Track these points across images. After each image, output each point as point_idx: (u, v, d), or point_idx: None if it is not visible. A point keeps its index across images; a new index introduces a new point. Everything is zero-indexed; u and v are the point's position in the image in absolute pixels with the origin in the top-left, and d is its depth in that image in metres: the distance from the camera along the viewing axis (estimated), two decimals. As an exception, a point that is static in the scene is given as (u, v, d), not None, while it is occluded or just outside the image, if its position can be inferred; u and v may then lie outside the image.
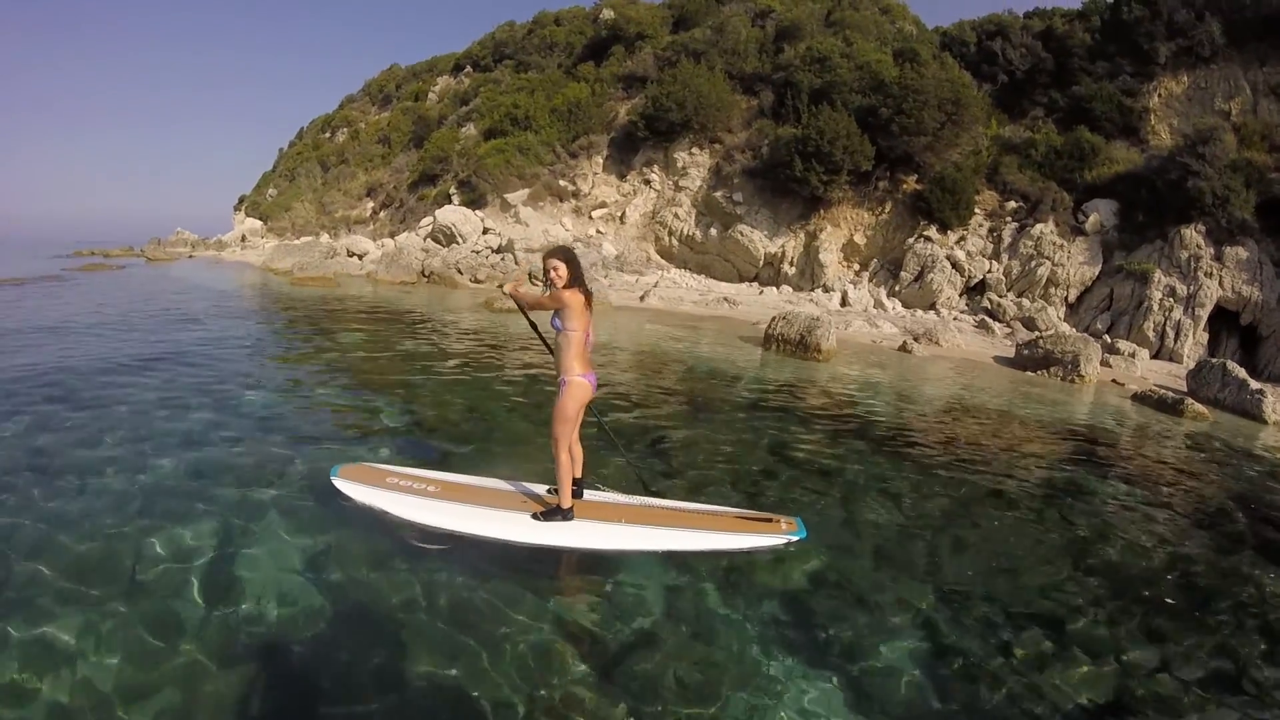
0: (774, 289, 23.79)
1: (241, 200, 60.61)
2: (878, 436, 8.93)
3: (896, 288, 22.37)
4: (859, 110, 24.99)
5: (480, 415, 8.48)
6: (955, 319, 20.24)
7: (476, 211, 29.90)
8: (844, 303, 21.79)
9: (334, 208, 45.01)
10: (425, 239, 29.97)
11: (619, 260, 26.31)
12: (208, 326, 14.55)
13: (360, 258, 31.29)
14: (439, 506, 5.76)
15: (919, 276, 22.11)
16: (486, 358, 12.23)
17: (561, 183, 30.27)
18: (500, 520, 5.61)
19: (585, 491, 6.03)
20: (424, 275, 26.25)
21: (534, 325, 6.18)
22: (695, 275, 26.20)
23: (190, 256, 48.35)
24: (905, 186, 24.37)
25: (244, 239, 49.46)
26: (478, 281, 25.07)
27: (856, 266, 24.30)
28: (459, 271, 25.80)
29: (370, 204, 43.23)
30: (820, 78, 27.44)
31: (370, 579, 4.77)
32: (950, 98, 24.13)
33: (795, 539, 5.56)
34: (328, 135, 56.06)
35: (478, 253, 27.60)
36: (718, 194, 26.70)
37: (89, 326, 13.97)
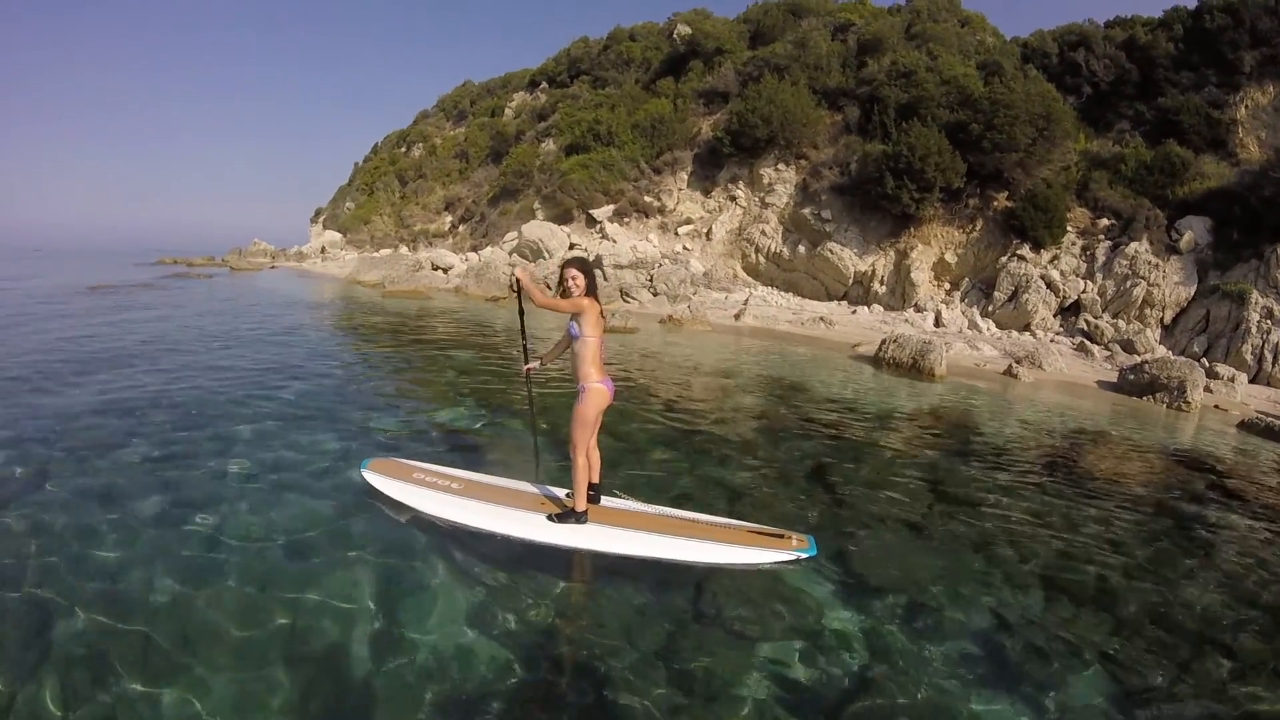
0: (865, 308, 23.69)
1: (318, 213, 61.83)
2: (1025, 466, 8.99)
3: (990, 308, 22.17)
4: (947, 126, 24.82)
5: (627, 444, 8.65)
6: (1053, 341, 20.04)
7: (562, 227, 30.25)
8: (938, 323, 21.66)
9: (412, 221, 45.79)
10: (511, 253, 30.42)
11: (707, 277, 26.44)
12: (326, 342, 15.05)
13: (445, 271, 31.79)
14: (460, 503, 6.08)
15: (1013, 296, 21.90)
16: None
17: (646, 198, 30.48)
18: (517, 519, 5.88)
19: (603, 498, 6.24)
20: (512, 290, 26.66)
21: (522, 317, 6.32)
22: (783, 293, 26.20)
23: (273, 267, 49.43)
24: (996, 204, 24.12)
25: (323, 250, 50.45)
26: (567, 297, 25.41)
27: (947, 285, 24.08)
28: (547, 285, 26.18)
29: (449, 218, 43.93)
30: (907, 92, 27.28)
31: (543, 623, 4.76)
32: (1041, 112, 23.87)
33: (805, 556, 5.70)
34: (404, 150, 57.01)
35: (565, 268, 27.97)
36: (805, 211, 26.66)
37: (202, 339, 14.55)
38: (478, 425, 8.85)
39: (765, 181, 28.71)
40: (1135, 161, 23.75)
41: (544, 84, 49.07)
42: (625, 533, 5.77)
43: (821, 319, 20.98)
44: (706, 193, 30.49)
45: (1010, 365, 16.15)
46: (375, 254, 42.96)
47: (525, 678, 4.12)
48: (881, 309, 23.74)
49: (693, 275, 26.17)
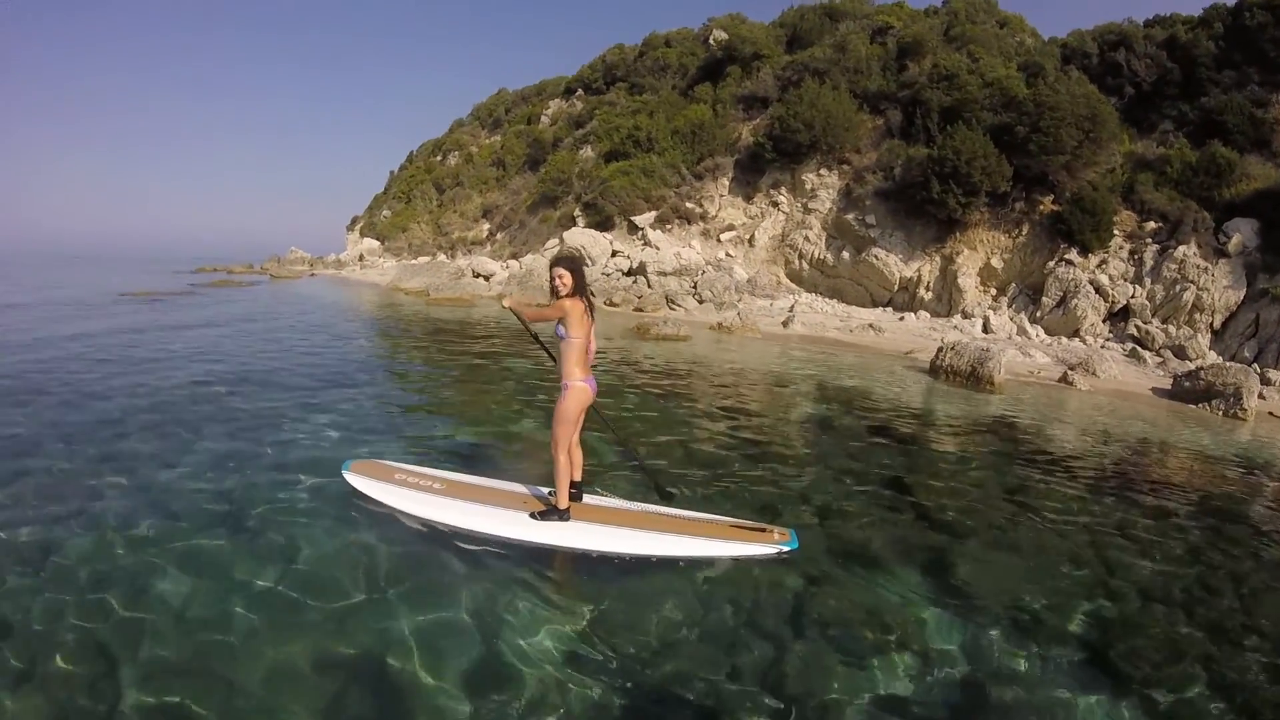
0: (912, 315, 23.62)
1: (354, 221, 62.44)
2: (1097, 476, 9.01)
3: (1038, 314, 22.02)
4: (992, 128, 24.65)
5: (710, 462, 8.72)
6: (1104, 347, 19.89)
7: (604, 234, 30.39)
8: (986, 329, 21.56)
9: (450, 229, 46.15)
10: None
11: (751, 284, 26.49)
12: (386, 351, 15.27)
13: (487, 279, 32.01)
14: (442, 503, 6.13)
15: (1061, 302, 21.75)
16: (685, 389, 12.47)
17: (688, 205, 30.55)
18: (499, 518, 5.94)
19: (585, 495, 6.32)
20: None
21: (535, 336, 6.35)
22: (827, 300, 26.16)
23: (312, 274, 50.03)
24: (1042, 207, 23.95)
25: (361, 258, 50.99)
26: (613, 305, 25.54)
27: (994, 291, 23.91)
28: (592, 294, 26.24)
29: (486, 225, 44.21)
30: (949, 95, 27.17)
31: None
32: (1087, 114, 23.66)
33: (786, 549, 5.77)
34: (439, 158, 57.45)
35: (608, 275, 28.09)
36: (849, 216, 26.59)
37: (247, 345, 14.86)
38: (540, 437, 8.93)
39: (808, 187, 28.69)
40: (1180, 163, 23.45)
41: (580, 91, 49.23)
42: (608, 529, 5.83)
43: (870, 326, 20.96)
44: (748, 199, 30.50)
45: (1065, 372, 16.07)
46: (414, 261, 43.35)
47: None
48: (928, 315, 23.63)
49: (737, 282, 26.24)
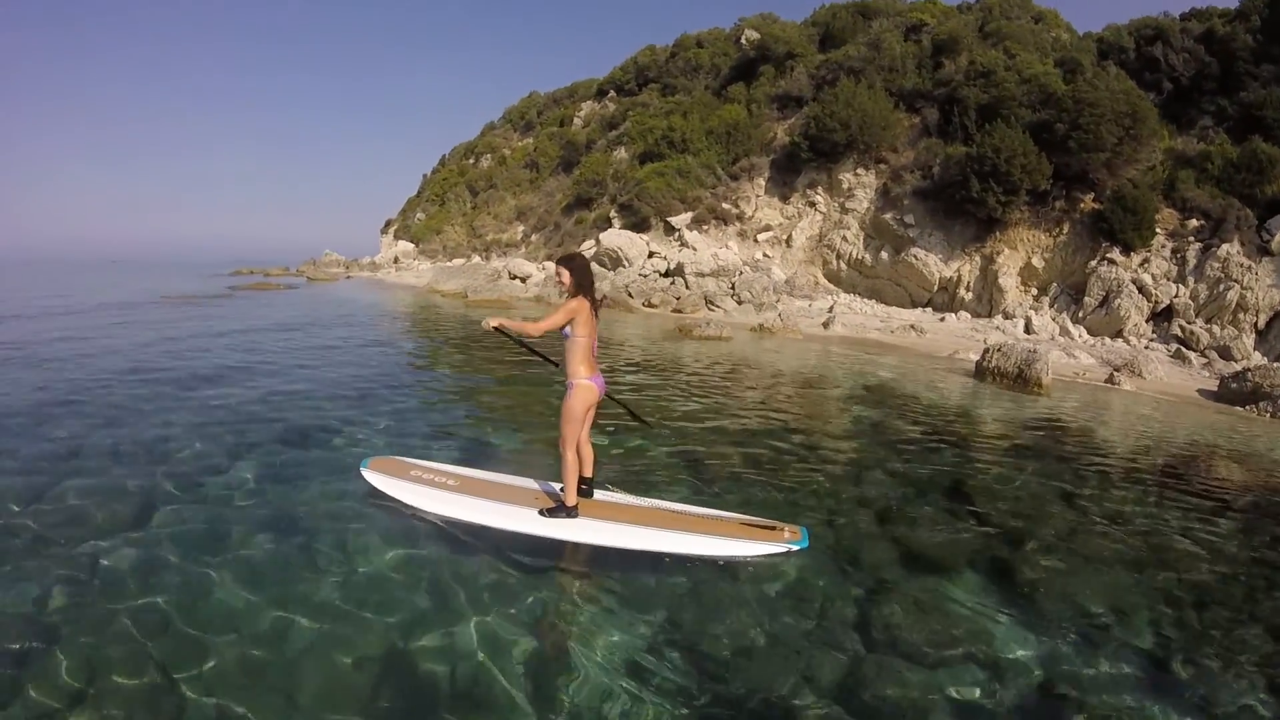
0: (952, 315, 23.49)
1: (388, 224, 62.95)
2: (1154, 480, 8.97)
3: (1080, 314, 21.79)
4: (1030, 126, 24.47)
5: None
6: (1147, 348, 19.69)
7: (640, 235, 30.49)
8: (1028, 330, 21.38)
9: (484, 231, 46.46)
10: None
11: (788, 285, 26.47)
12: (434, 355, 15.39)
13: (523, 280, 32.24)
14: (454, 499, 6.23)
15: (1104, 302, 21.49)
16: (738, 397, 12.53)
17: (724, 205, 30.57)
18: (509, 514, 6.02)
19: (595, 491, 6.34)
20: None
21: (530, 348, 6.39)
22: (866, 300, 26.10)
23: (348, 277, 50.56)
24: (1083, 206, 23.72)
25: (396, 260, 51.44)
26: (651, 306, 25.67)
27: (1035, 291, 23.69)
28: (629, 295, 26.43)
29: (521, 227, 44.46)
30: (986, 93, 26.95)
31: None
32: (1127, 110, 23.41)
33: (796, 548, 5.76)
34: (472, 161, 57.81)
35: (645, 276, 28.22)
36: (887, 216, 26.48)
37: (293, 350, 15.13)
38: (605, 443, 8.99)
39: (844, 186, 28.62)
40: (1221, 160, 23.09)
41: (612, 92, 49.39)
42: (616, 526, 5.88)
43: (911, 327, 20.88)
44: (785, 199, 30.48)
45: (1111, 374, 15.93)
46: (449, 263, 43.70)
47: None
48: (969, 316, 23.48)
49: (775, 283, 26.24)
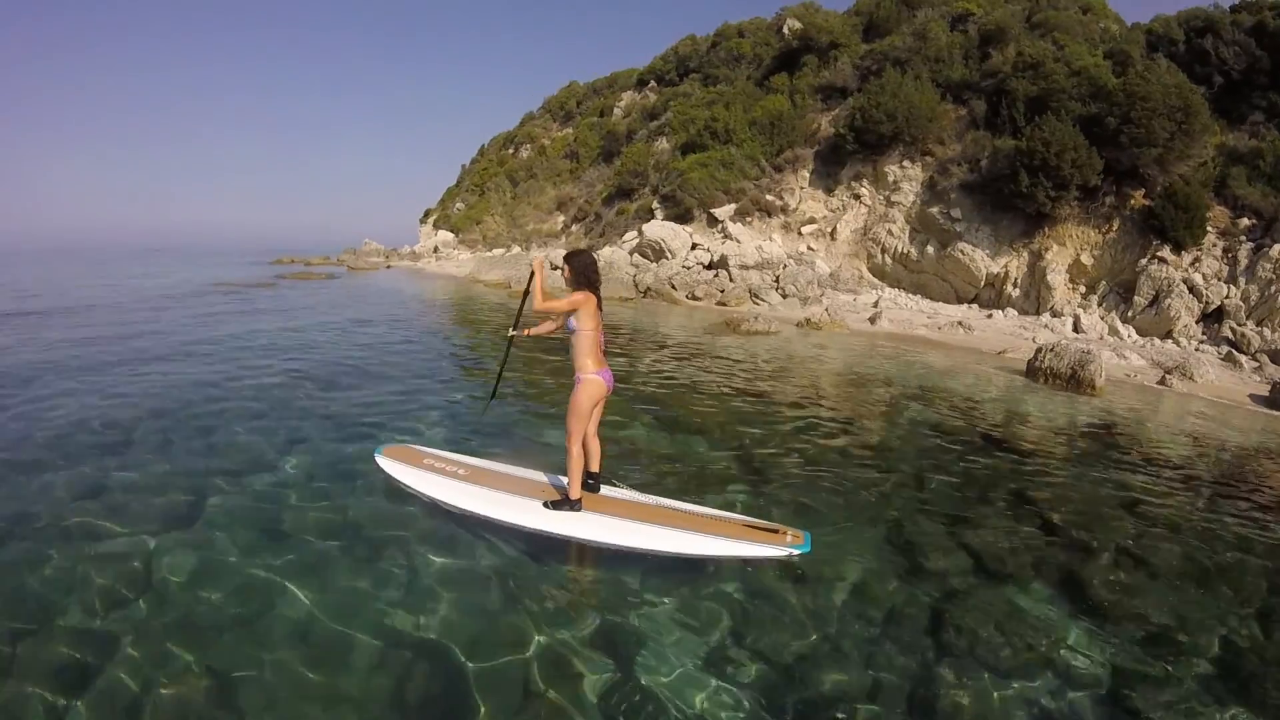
0: (999, 312, 23.12)
1: (427, 214, 63.25)
2: (1215, 488, 8.86)
3: (1129, 313, 21.33)
4: (1080, 119, 23.97)
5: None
6: (1198, 349, 19.28)
7: (683, 227, 30.41)
8: (1076, 328, 20.98)
9: (524, 221, 46.57)
10: (632, 254, 30.69)
11: (833, 278, 26.27)
12: (477, 351, 15.47)
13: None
14: (462, 489, 6.38)
15: (1154, 301, 21.02)
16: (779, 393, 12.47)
17: (768, 197, 30.36)
18: (514, 506, 6.13)
19: (602, 487, 6.42)
20: (639, 290, 27.03)
21: (524, 299, 6.48)
22: (911, 295, 25.78)
23: (388, 266, 50.86)
24: (1133, 202, 23.24)
25: (436, 250, 51.65)
26: (695, 299, 25.65)
27: (1083, 289, 23.23)
28: (673, 287, 26.40)
29: (561, 217, 44.53)
30: (1035, 85, 26.45)
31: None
32: (1179, 104, 22.93)
33: (798, 552, 5.70)
34: (511, 151, 57.93)
35: (688, 268, 28.15)
36: (933, 210, 26.12)
37: (340, 340, 15.28)
38: (662, 443, 8.97)
39: (890, 179, 28.28)
40: (1274, 157, 22.44)
41: (652, 82, 49.27)
42: (619, 522, 5.93)
43: (959, 324, 20.65)
44: (829, 191, 30.18)
45: (1163, 376, 15.65)
46: (489, 253, 43.86)
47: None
48: (1015, 313, 23.10)
49: (819, 276, 26.04)
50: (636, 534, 5.82)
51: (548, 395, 11.22)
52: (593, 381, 5.79)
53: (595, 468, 6.33)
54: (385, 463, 6.85)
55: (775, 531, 5.87)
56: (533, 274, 5.89)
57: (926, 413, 11.50)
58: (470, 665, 4.39)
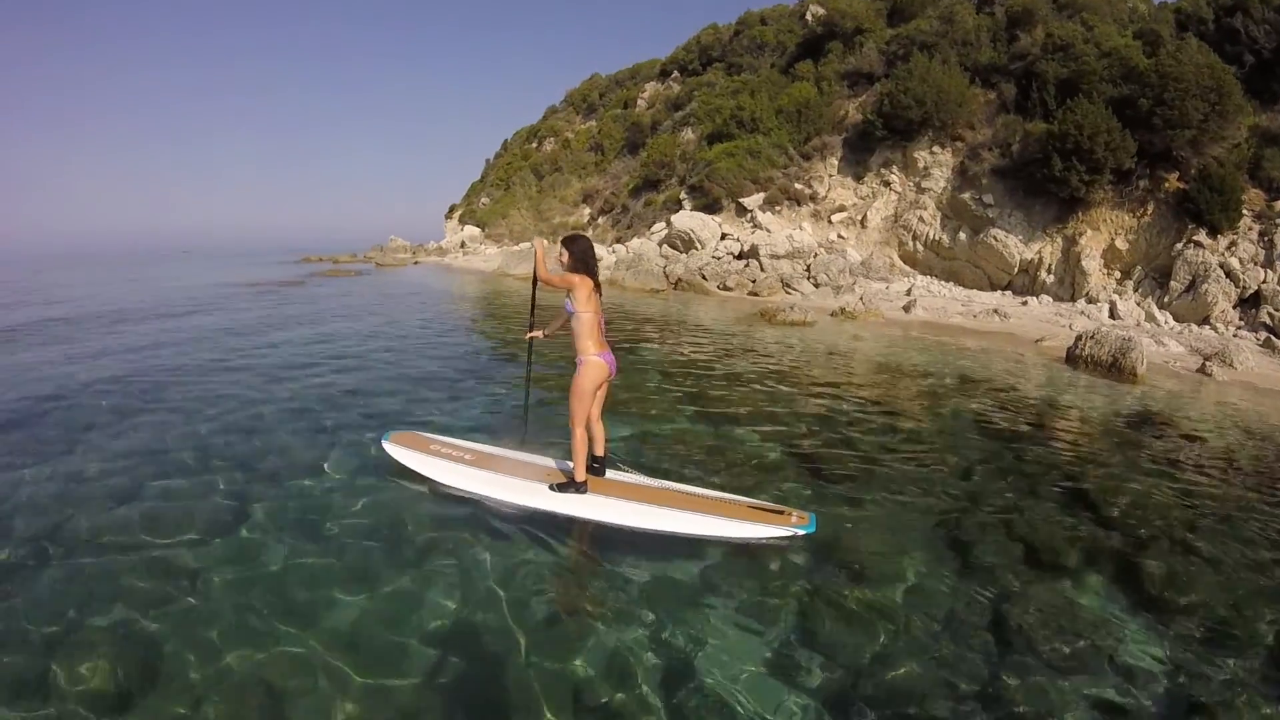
0: (1034, 299, 22.88)
1: (453, 209, 63.47)
2: (1267, 480, 8.76)
3: (1165, 299, 20.99)
4: (1112, 101, 23.62)
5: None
6: (1236, 335, 18.98)
7: (712, 217, 30.38)
8: (1112, 315, 20.70)
9: (550, 214, 46.63)
10: (661, 245, 30.71)
11: (864, 266, 26.13)
12: (512, 346, 15.42)
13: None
14: (469, 473, 6.56)
15: (1190, 287, 20.65)
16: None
17: (797, 186, 30.21)
18: (519, 488, 6.31)
19: (608, 470, 6.54)
20: (670, 282, 27.06)
21: (535, 288, 6.69)
22: (944, 283, 25.58)
23: (415, 262, 51.16)
24: (1167, 185, 22.89)
25: (463, 245, 51.87)
26: (726, 289, 25.66)
27: (1118, 274, 22.90)
28: (704, 278, 26.41)
29: (587, 210, 44.58)
30: (1065, 67, 26.09)
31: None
32: (1212, 85, 22.57)
33: (803, 532, 5.85)
34: (535, 145, 58.02)
35: (718, 259, 28.14)
36: (964, 195, 25.86)
37: (378, 336, 15.39)
38: (706, 435, 9.01)
39: (920, 165, 28.03)
40: (1310, 138, 22.20)
41: (675, 73, 49.15)
42: (624, 504, 6.06)
43: (995, 311, 20.48)
44: (858, 178, 29.95)
45: (1203, 363, 15.44)
46: (516, 247, 43.99)
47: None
48: (1050, 299, 22.85)
49: (851, 265, 25.94)
50: (641, 515, 5.95)
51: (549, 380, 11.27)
52: (594, 364, 5.91)
53: (600, 451, 6.49)
54: (392, 449, 7.00)
55: (781, 513, 6.00)
56: (536, 259, 6.14)
57: (970, 403, 11.48)
58: (529, 668, 4.40)
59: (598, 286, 5.96)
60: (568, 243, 6.01)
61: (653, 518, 5.91)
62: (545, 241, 6.44)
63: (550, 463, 6.81)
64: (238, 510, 6.34)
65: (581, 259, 5.91)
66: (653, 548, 5.81)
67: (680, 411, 10.11)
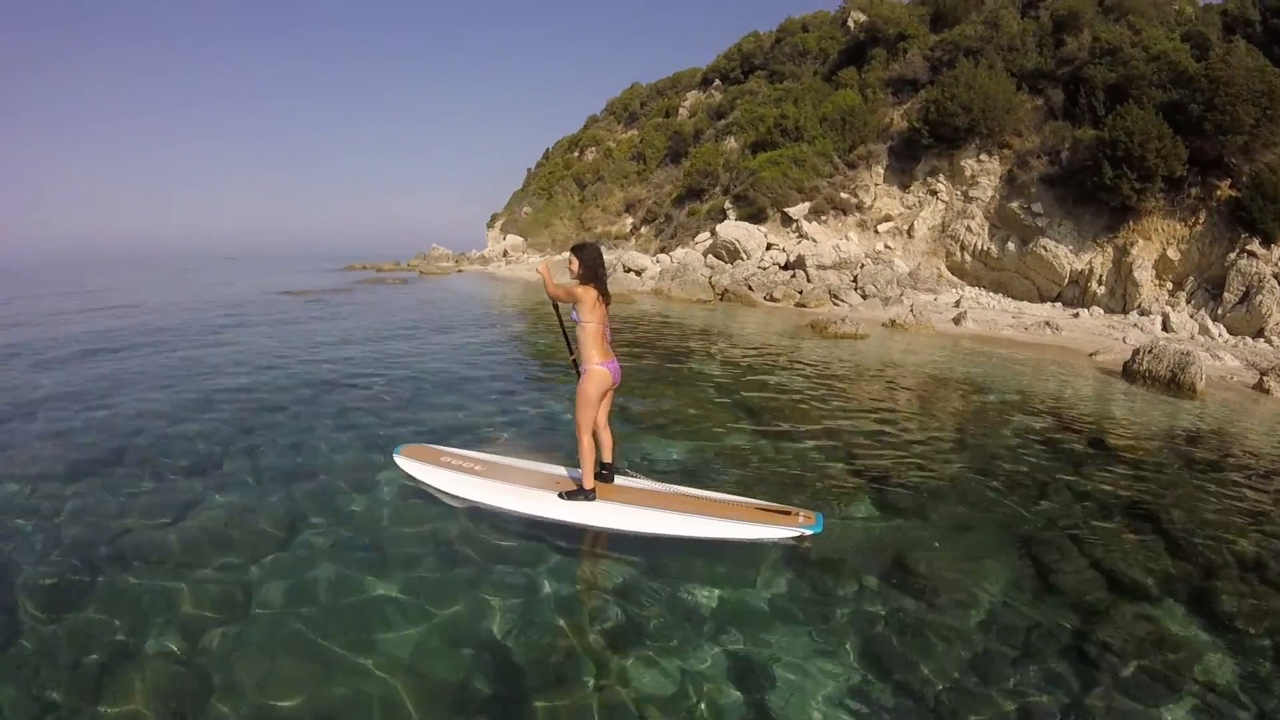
0: (1085, 311, 22.65)
1: (494, 218, 64.04)
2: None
3: (1219, 310, 20.68)
4: (1162, 107, 23.31)
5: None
6: (1293, 349, 18.54)
7: (757, 227, 30.42)
8: (1165, 327, 20.43)
9: (593, 223, 46.92)
10: (705, 255, 30.79)
11: (912, 277, 26.03)
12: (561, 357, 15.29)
13: (638, 273, 32.38)
14: (479, 483, 6.60)
15: (1244, 298, 20.35)
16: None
17: (842, 195, 30.17)
18: (529, 497, 6.35)
19: (616, 477, 6.61)
20: (716, 292, 27.17)
21: (558, 311, 6.72)
22: (992, 294, 25.38)
23: (459, 270, 51.67)
24: (1219, 193, 22.48)
25: (505, 254, 52.31)
26: (773, 300, 25.68)
27: (1169, 285, 22.57)
28: (750, 288, 26.43)
29: (629, 219, 44.81)
30: (1114, 71, 25.78)
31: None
32: (1263, 89, 22.17)
33: (810, 533, 5.89)
34: (576, 154, 58.41)
35: (764, 269, 28.20)
36: (1013, 204, 25.64)
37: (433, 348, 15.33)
38: (767, 451, 9.01)
39: (967, 174, 27.86)
40: (1363, 142, 21.75)
41: (717, 81, 49.32)
42: (633, 509, 6.11)
43: (1046, 324, 20.31)
44: (905, 187, 29.83)
45: (1260, 378, 15.15)
46: (559, 256, 44.34)
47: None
48: (1101, 311, 22.63)
49: (898, 276, 25.83)
50: (649, 519, 6.02)
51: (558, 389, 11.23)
52: (598, 372, 6.01)
53: (608, 458, 6.57)
54: (404, 462, 7.10)
55: (788, 513, 6.08)
56: (545, 280, 6.22)
57: (1032, 420, 11.43)
58: (597, 693, 4.33)
59: (605, 295, 6.03)
60: (577, 251, 6.07)
61: (661, 522, 6.00)
62: (547, 262, 6.58)
63: (559, 471, 6.91)
64: (290, 529, 6.33)
65: (590, 267, 5.99)
66: (711, 567, 5.83)
67: (738, 427, 10.07)
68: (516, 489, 6.52)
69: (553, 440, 8.37)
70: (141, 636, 4.64)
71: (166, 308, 25.45)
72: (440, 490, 6.74)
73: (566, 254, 6.82)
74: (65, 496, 6.97)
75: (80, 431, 9.14)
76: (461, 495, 6.60)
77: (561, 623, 5.02)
